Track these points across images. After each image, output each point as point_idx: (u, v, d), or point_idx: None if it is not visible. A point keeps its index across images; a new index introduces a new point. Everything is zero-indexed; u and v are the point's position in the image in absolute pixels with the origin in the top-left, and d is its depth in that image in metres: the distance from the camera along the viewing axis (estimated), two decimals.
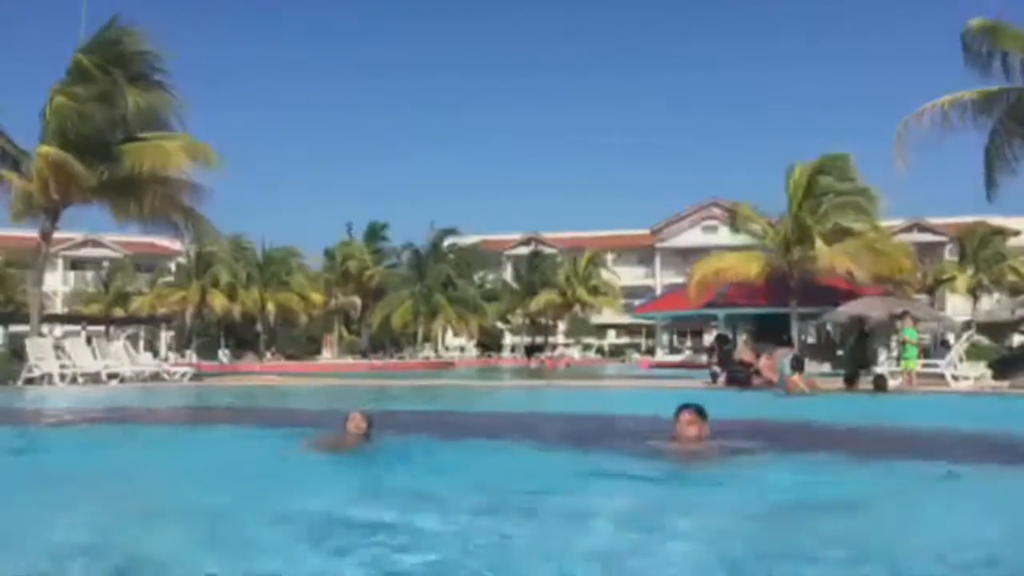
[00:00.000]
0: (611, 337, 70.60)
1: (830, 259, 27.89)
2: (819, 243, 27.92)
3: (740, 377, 19.44)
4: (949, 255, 60.31)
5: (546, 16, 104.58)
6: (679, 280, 62.48)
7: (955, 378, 19.82)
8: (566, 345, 64.22)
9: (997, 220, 55.52)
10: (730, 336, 27.67)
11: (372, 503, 5.41)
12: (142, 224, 25.71)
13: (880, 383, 17.59)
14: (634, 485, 6.16)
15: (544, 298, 57.68)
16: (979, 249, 53.08)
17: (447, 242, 57.06)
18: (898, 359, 20.46)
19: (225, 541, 4.31)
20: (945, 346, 24.61)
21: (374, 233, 59.44)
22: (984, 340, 29.82)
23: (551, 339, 62.92)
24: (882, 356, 23.06)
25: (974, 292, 53.74)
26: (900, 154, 22.31)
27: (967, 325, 37.57)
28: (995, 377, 20.97)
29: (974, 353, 23.72)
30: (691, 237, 72.33)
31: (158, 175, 23.59)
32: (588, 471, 6.79)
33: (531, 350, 58.65)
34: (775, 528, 4.72)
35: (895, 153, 22.47)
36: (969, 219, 56.46)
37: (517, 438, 9.02)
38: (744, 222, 30.82)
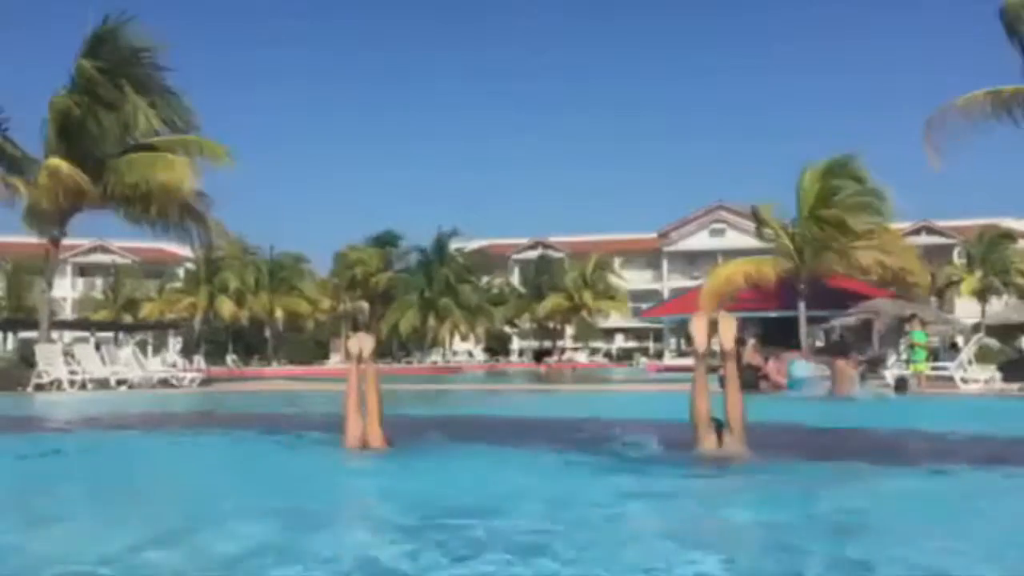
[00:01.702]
0: (619, 341, 70.48)
1: (846, 261, 27.90)
2: (839, 243, 27.96)
3: (748, 381, 19.39)
4: (958, 258, 60.14)
5: (551, 21, 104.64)
6: (686, 284, 62.47)
7: (964, 381, 19.77)
8: (574, 349, 64.17)
9: (1008, 222, 55.37)
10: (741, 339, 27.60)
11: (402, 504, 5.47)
12: (152, 230, 25.88)
13: (901, 385, 17.66)
14: (655, 492, 6.12)
15: (552, 302, 57.67)
16: (988, 252, 52.92)
17: (454, 246, 57.12)
18: (907, 362, 20.42)
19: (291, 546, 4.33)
20: (955, 349, 24.53)
21: (385, 241, 59.49)
22: (994, 343, 29.70)
23: (559, 343, 62.90)
24: (891, 359, 23.00)
25: (983, 295, 53.57)
26: (931, 149, 22.12)
27: (976, 328, 37.43)
28: (1005, 380, 20.90)
29: (983, 356, 23.64)
30: (698, 241, 72.28)
31: (167, 185, 23.65)
32: (607, 476, 6.77)
33: (540, 355, 58.67)
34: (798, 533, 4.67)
35: (926, 148, 22.27)
36: (980, 221, 56.29)
37: (523, 441, 9.03)
38: (762, 226, 30.86)
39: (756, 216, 31.34)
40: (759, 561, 4.18)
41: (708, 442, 6.80)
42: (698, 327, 7.08)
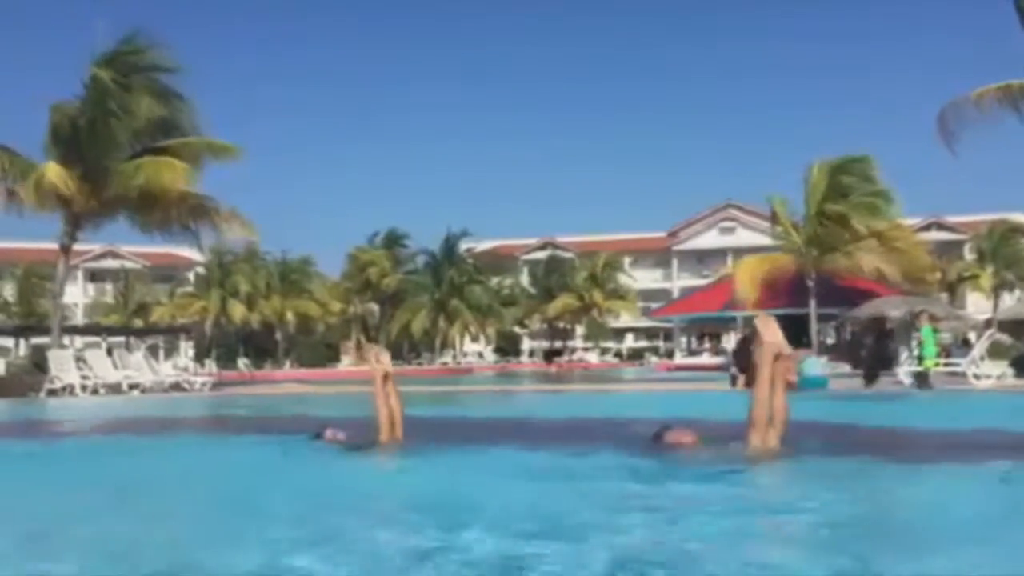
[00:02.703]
0: (629, 341, 70.45)
1: (855, 259, 27.82)
2: (845, 242, 27.89)
3: None
4: (969, 253, 59.89)
5: (559, 21, 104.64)
6: (696, 283, 62.37)
7: (977, 377, 19.68)
8: (585, 349, 64.16)
9: (1018, 217, 55.08)
10: (751, 338, 27.53)
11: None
12: (160, 234, 26.01)
13: (922, 380, 17.68)
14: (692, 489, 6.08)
15: (562, 302, 57.65)
16: (999, 247, 52.68)
17: (464, 247, 57.21)
18: (919, 359, 20.35)
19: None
20: (967, 345, 24.43)
21: (393, 240, 59.60)
22: (1006, 338, 29.57)
23: (569, 343, 62.88)
24: (903, 356, 22.93)
25: (995, 290, 53.35)
26: (947, 143, 22.11)
27: (988, 323, 37.27)
28: (1017, 375, 20.81)
29: (995, 351, 23.56)
30: (708, 239, 72.15)
31: (167, 187, 23.62)
32: (638, 475, 6.72)
33: (550, 355, 58.67)
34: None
35: (940, 139, 22.25)
36: (990, 216, 55.97)
37: (537, 440, 9.01)
38: (776, 221, 30.83)
39: (772, 210, 31.28)
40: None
41: (756, 439, 6.88)
42: (769, 326, 7.21)
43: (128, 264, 66.24)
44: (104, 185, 23.27)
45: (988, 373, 20.06)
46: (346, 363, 54.34)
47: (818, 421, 10.54)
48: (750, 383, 20.14)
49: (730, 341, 47.49)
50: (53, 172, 22.23)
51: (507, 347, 64.42)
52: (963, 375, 19.74)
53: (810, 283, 28.86)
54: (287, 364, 52.86)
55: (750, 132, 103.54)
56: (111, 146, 23.26)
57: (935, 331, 20.76)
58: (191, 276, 62.87)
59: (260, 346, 55.65)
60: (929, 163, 78.91)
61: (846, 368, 25.97)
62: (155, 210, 24.33)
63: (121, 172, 23.24)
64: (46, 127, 23.19)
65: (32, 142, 23.96)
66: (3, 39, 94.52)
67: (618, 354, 66.75)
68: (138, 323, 52.33)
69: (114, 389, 21.78)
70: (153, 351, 29.25)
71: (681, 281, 70.94)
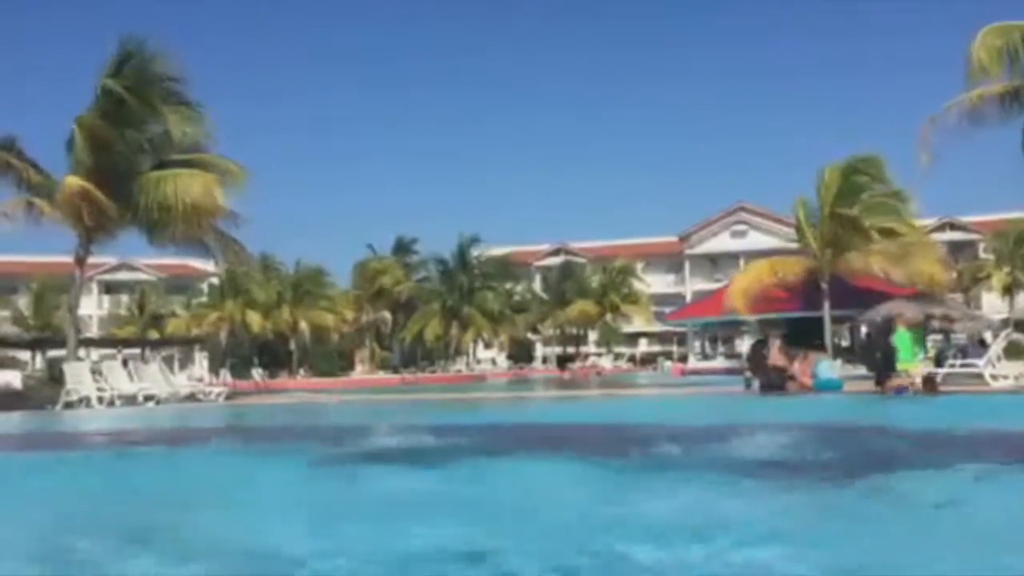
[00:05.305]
0: (642, 345, 70.31)
1: (869, 259, 27.71)
2: (859, 243, 27.78)
3: (775, 382, 19.30)
4: (984, 253, 59.51)
5: (569, 25, 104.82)
6: (709, 286, 62.22)
7: (994, 378, 19.55)
8: (598, 355, 64.03)
9: None
10: (765, 341, 27.47)
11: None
12: (175, 248, 26.11)
13: (930, 385, 17.56)
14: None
15: (577, 308, 57.57)
16: (1015, 247, 52.31)
17: (475, 253, 57.22)
18: (938, 361, 20.24)
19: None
20: (983, 345, 24.26)
21: (402, 247, 59.66)
22: (1023, 338, 29.31)
23: (583, 349, 62.76)
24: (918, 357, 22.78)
25: (1010, 290, 53.00)
26: (926, 150, 22.11)
27: (1004, 323, 37.02)
28: None
29: (1012, 351, 23.36)
30: (720, 243, 71.96)
31: (192, 202, 23.71)
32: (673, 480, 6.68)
33: (563, 360, 58.57)
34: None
35: (920, 148, 22.27)
36: (1005, 216, 55.56)
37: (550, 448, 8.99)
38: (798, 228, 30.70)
39: (796, 215, 31.13)
40: None
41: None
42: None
43: (143, 276, 66.54)
44: (126, 198, 23.38)
45: (1005, 373, 19.93)
46: (360, 371, 54.44)
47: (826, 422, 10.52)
48: (765, 387, 20.15)
49: (744, 344, 47.37)
50: (75, 184, 22.34)
51: (520, 353, 64.37)
52: (980, 376, 19.61)
53: (824, 285, 28.76)
54: (301, 373, 52.95)
55: (760, 134, 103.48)
56: (122, 160, 23.37)
57: (913, 333, 20.61)
58: (205, 287, 63.13)
59: (275, 356, 55.75)
60: (941, 162, 78.43)
61: (862, 370, 25.83)
62: (178, 223, 24.34)
63: (142, 185, 23.33)
64: (66, 139, 23.30)
65: (49, 154, 24.17)
66: (16, 53, 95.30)
67: (631, 358, 66.64)
68: (154, 335, 52.50)
69: (130, 401, 21.84)
70: (168, 362, 29.36)
71: (694, 285, 70.80)
